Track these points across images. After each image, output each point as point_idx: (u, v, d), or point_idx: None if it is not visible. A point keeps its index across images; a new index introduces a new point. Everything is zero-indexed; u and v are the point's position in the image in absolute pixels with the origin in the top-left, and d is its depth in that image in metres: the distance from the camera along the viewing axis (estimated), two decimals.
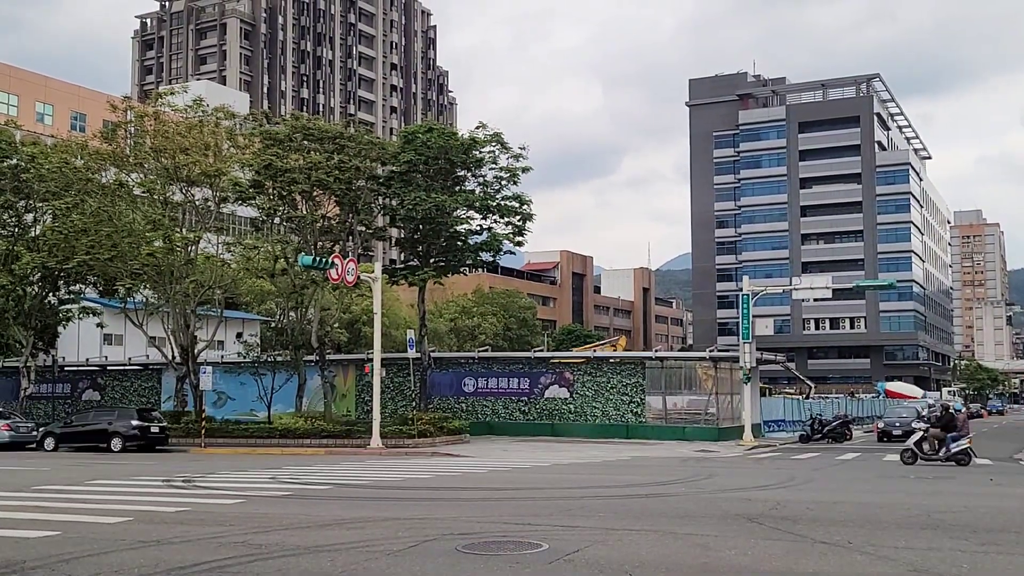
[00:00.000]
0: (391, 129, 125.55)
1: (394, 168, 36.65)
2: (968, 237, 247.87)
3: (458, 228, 37.31)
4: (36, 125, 62.83)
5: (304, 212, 35.26)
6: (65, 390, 45.18)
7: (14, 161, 35.63)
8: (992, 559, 9.77)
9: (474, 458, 26.78)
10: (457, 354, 48.57)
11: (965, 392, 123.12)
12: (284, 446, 31.39)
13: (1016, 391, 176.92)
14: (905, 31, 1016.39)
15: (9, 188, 35.34)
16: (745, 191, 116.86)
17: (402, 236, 39.43)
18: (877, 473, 22.18)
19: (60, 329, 41.66)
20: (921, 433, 24.71)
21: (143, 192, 35.34)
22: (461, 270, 40.13)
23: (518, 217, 37.27)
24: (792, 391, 67.07)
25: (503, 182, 36.97)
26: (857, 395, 74.18)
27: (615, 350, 53.37)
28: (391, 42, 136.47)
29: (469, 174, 37.33)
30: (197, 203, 35.75)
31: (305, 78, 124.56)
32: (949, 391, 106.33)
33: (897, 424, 40.10)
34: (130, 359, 45.61)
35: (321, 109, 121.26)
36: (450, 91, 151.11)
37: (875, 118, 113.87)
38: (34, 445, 32.92)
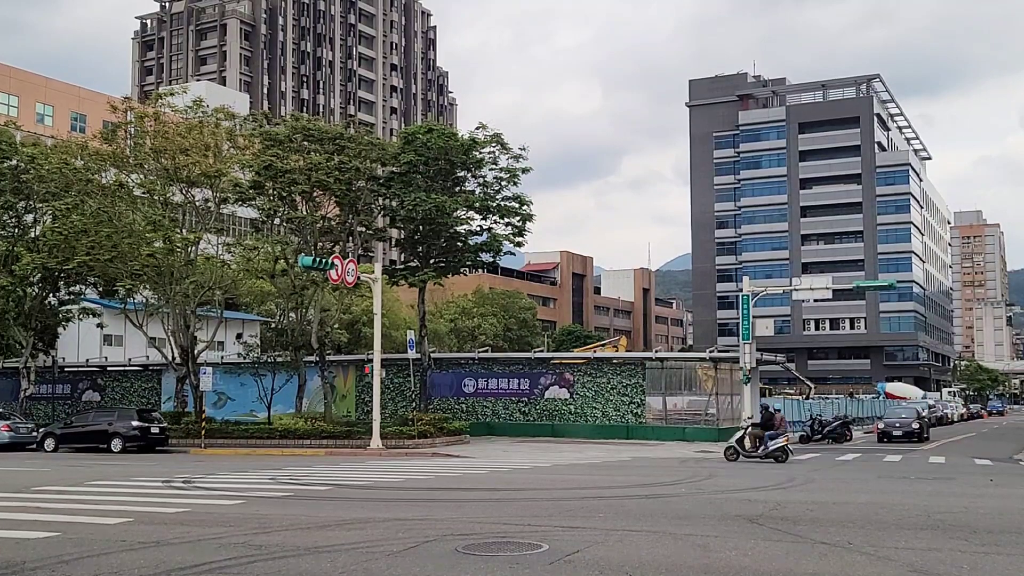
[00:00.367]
0: (391, 130, 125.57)
1: (394, 169, 36.67)
2: (968, 238, 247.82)
3: (458, 229, 37.33)
4: (36, 126, 62.83)
5: (304, 213, 35.26)
6: (65, 391, 45.20)
7: (14, 162, 35.64)
8: (992, 560, 9.77)
9: (474, 459, 26.78)
10: (457, 355, 48.58)
11: (965, 393, 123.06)
12: (284, 447, 31.39)
13: (1016, 392, 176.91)
14: (905, 32, 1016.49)
15: (9, 189, 35.35)
16: (745, 192, 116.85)
17: (402, 237, 39.44)
18: (877, 474, 22.18)
19: (60, 330, 41.66)
20: (742, 432, 26.08)
21: (143, 193, 35.35)
22: (461, 271, 40.15)
23: (518, 218, 37.28)
24: (792, 392, 67.06)
25: (503, 183, 36.99)
26: (857, 396, 74.20)
27: (616, 351, 53.39)
28: (391, 43, 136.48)
29: (469, 175, 37.35)
30: (197, 204, 35.76)
31: (305, 79, 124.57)
32: (949, 392, 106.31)
33: (897, 425, 40.10)
34: (130, 360, 45.61)
35: (321, 110, 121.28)
36: (450, 92, 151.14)
37: (875, 119, 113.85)
38: (34, 446, 32.93)
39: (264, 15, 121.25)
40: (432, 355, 40.95)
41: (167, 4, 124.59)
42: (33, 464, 25.55)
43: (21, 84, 68.38)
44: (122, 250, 33.35)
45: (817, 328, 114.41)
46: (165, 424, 32.89)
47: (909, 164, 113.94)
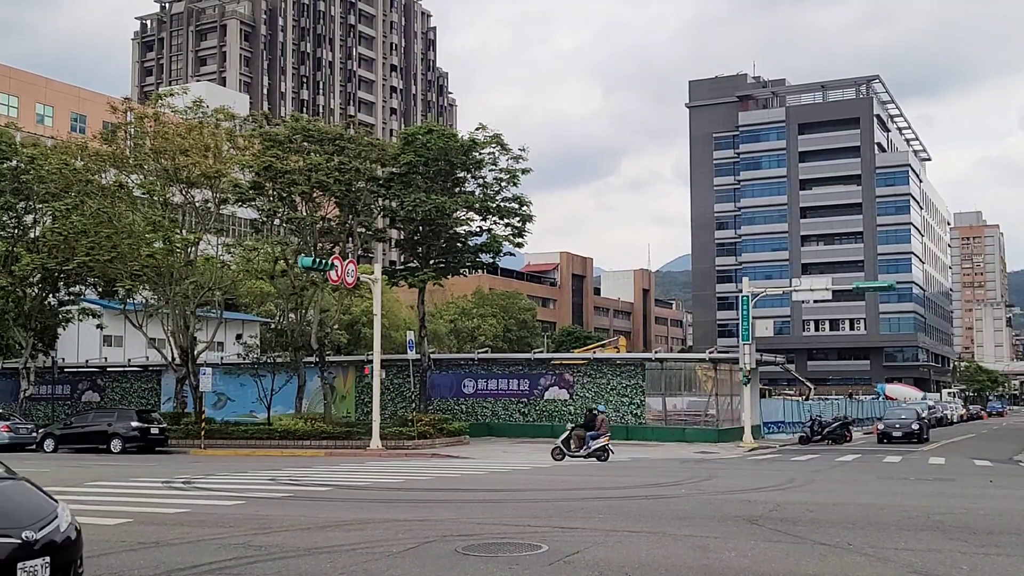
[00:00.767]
0: (391, 131, 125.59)
1: (394, 169, 36.66)
2: (968, 239, 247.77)
3: (458, 229, 37.34)
4: (36, 126, 62.84)
5: (304, 213, 35.26)
6: (65, 391, 45.19)
7: (14, 162, 35.64)
8: (992, 561, 9.77)
9: (474, 460, 26.78)
10: (457, 355, 48.57)
11: (965, 394, 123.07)
12: (284, 448, 31.39)
13: (1016, 392, 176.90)
14: (904, 33, 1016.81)
15: (9, 189, 35.35)
16: (745, 192, 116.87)
17: (402, 237, 39.45)
18: (877, 475, 22.18)
19: (60, 330, 41.69)
20: (568, 432, 27.08)
21: (143, 193, 35.36)
22: (461, 271, 40.15)
23: (518, 218, 37.28)
24: (792, 393, 67.05)
25: (503, 183, 36.98)
26: (856, 397, 74.18)
27: (617, 351, 53.41)
28: (391, 44, 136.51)
29: (469, 175, 37.35)
30: (197, 204, 35.76)
31: (305, 79, 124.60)
32: (949, 393, 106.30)
33: (897, 426, 40.11)
34: (130, 360, 45.59)
35: (321, 110, 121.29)
36: (450, 93, 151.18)
37: (875, 120, 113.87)
38: (34, 446, 32.91)
39: (264, 16, 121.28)
40: (432, 356, 40.94)
41: (167, 5, 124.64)
42: (32, 465, 25.52)
43: (21, 84, 68.39)
44: (122, 251, 33.35)
45: (817, 329, 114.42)
46: (165, 425, 32.87)
47: (909, 165, 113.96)
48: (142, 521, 12.65)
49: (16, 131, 39.06)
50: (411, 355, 35.86)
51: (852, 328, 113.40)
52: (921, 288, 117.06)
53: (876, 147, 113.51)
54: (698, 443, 35.27)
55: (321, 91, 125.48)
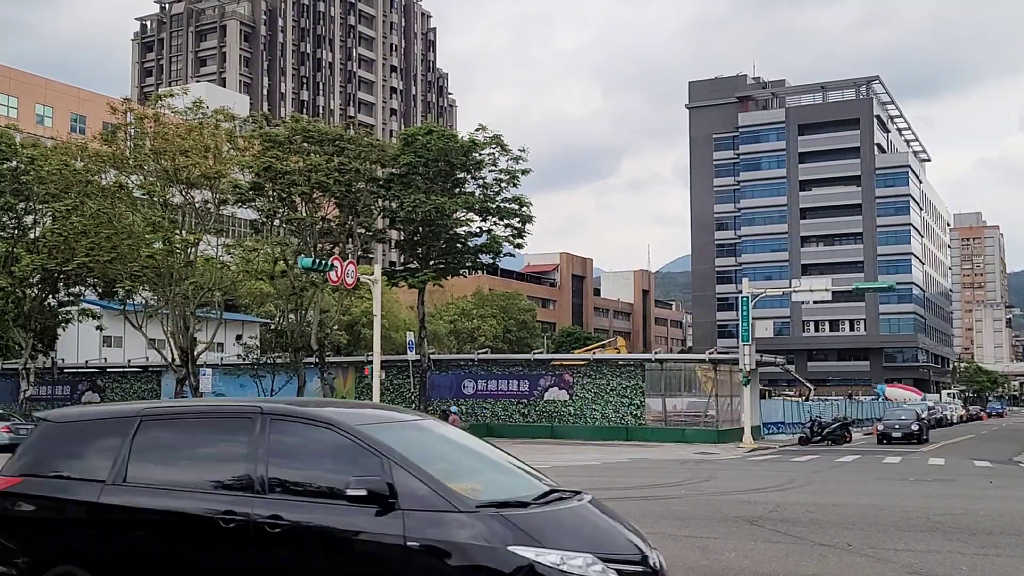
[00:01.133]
0: (391, 131, 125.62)
1: (394, 170, 36.69)
2: (968, 239, 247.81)
3: (458, 230, 37.37)
4: (36, 127, 62.82)
5: (304, 214, 35.28)
6: (65, 392, 45.19)
7: (14, 163, 35.65)
8: (992, 561, 9.77)
9: None
10: (457, 356, 48.59)
11: (964, 394, 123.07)
12: None
13: (1016, 393, 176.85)
14: (904, 34, 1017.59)
15: (9, 190, 35.36)
16: (745, 193, 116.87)
17: (402, 238, 39.46)
18: (876, 476, 22.17)
19: (60, 331, 41.67)
20: None
21: (143, 194, 35.36)
22: (461, 272, 40.18)
23: (518, 219, 37.31)
24: (792, 393, 67.06)
25: (503, 184, 37.02)
26: (856, 397, 74.19)
27: (618, 352, 53.38)
28: (391, 44, 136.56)
29: (469, 176, 37.37)
30: (197, 205, 35.76)
31: (305, 80, 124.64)
32: (948, 393, 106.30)
33: (897, 426, 40.10)
34: (129, 361, 45.59)
35: (321, 111, 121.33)
36: (450, 93, 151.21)
37: (875, 120, 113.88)
38: None
39: (264, 16, 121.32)
40: (432, 356, 40.96)
41: (167, 5, 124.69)
42: None
43: (21, 85, 68.39)
44: (122, 251, 33.36)
45: (816, 330, 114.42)
46: None
47: (909, 166, 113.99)
48: None
49: (16, 132, 39.07)
50: (411, 356, 35.88)
51: (852, 329, 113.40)
52: (921, 289, 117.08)
53: (876, 148, 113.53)
54: (698, 444, 35.26)
55: (321, 92, 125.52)
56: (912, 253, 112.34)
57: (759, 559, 9.69)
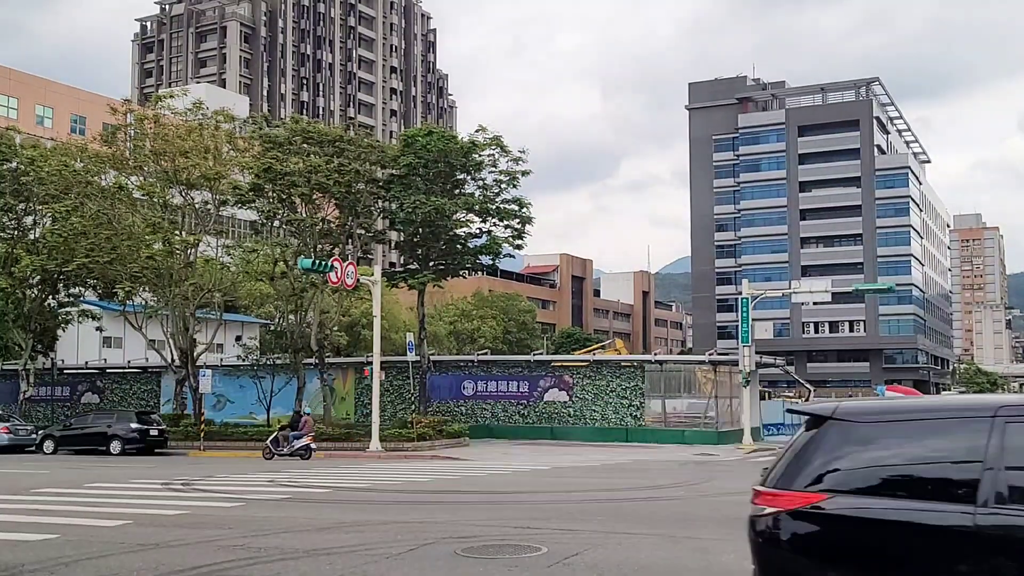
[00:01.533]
0: (391, 132, 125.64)
1: (394, 171, 36.68)
2: (968, 241, 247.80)
3: (457, 231, 37.35)
4: (36, 128, 62.82)
5: (304, 215, 35.28)
6: (64, 393, 45.16)
7: (14, 164, 35.66)
8: None
9: (473, 461, 26.77)
10: (456, 357, 48.57)
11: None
12: None
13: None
14: (904, 36, 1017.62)
15: (9, 191, 35.38)
16: (744, 194, 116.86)
17: (402, 239, 39.45)
18: None
19: (59, 332, 41.67)
20: (276, 432, 29.38)
21: (143, 195, 35.37)
22: (460, 273, 40.15)
23: (517, 220, 37.29)
24: (792, 395, 67.04)
25: (502, 185, 37.00)
26: (856, 398, 74.08)
27: (619, 353, 53.34)
28: (391, 45, 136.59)
29: (469, 177, 37.36)
30: (197, 206, 35.77)
31: (305, 81, 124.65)
32: (948, 394, 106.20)
33: None
34: (129, 362, 45.58)
35: (321, 112, 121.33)
36: (450, 95, 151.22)
37: (874, 122, 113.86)
38: (33, 448, 32.91)
39: (264, 17, 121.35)
40: (431, 357, 40.94)
41: (167, 6, 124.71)
42: (32, 466, 25.53)
43: (21, 86, 68.40)
44: (121, 252, 33.37)
45: (816, 331, 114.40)
46: (164, 426, 32.87)
47: (908, 167, 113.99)
48: (141, 523, 12.64)
49: (16, 133, 39.08)
50: (411, 357, 35.86)
51: (852, 330, 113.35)
52: (921, 290, 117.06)
53: (876, 149, 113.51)
54: (698, 445, 35.24)
55: (321, 93, 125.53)
56: (912, 254, 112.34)
57: None
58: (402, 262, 42.18)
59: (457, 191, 37.16)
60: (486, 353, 45.00)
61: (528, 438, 37.52)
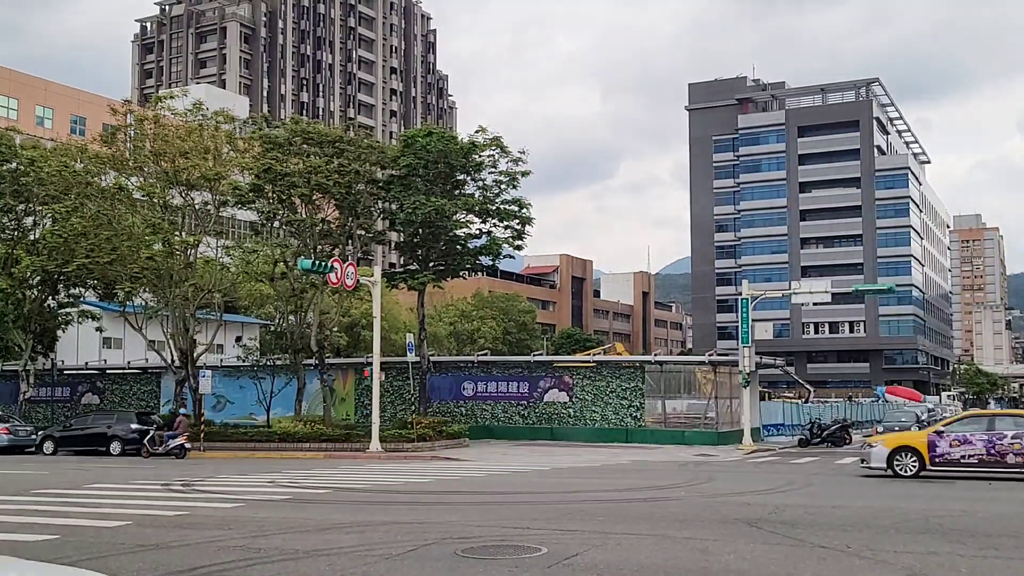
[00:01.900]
0: (391, 133, 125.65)
1: (394, 172, 36.70)
2: (968, 241, 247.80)
3: (458, 232, 37.36)
4: (36, 129, 62.83)
5: (303, 216, 35.29)
6: (64, 394, 45.16)
7: (14, 165, 35.68)
8: (991, 563, 9.78)
9: (473, 462, 26.77)
10: (456, 358, 48.59)
11: (964, 397, 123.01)
12: (283, 450, 31.39)
13: (1016, 395, 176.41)
14: (904, 37, 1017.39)
15: (9, 192, 35.39)
16: (744, 195, 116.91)
17: (402, 240, 39.47)
18: (876, 477, 22.15)
19: (59, 333, 41.67)
20: (151, 433, 30.71)
21: (143, 196, 35.39)
22: (461, 274, 40.14)
23: (517, 221, 37.31)
24: (791, 395, 67.04)
25: (502, 186, 37.02)
26: (856, 399, 74.17)
27: (620, 355, 53.33)
28: (391, 46, 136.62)
29: (469, 178, 37.38)
30: (196, 207, 35.78)
31: (305, 82, 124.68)
32: (948, 396, 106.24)
33: (897, 428, 40.11)
34: (129, 363, 45.59)
35: (321, 113, 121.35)
36: (450, 95, 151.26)
37: (874, 122, 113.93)
38: (33, 449, 32.95)
39: (264, 18, 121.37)
40: (431, 358, 40.94)
41: (167, 7, 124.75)
42: (32, 467, 25.54)
43: (21, 87, 68.41)
44: (121, 253, 33.38)
45: (816, 332, 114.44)
46: (164, 427, 32.87)
47: (908, 168, 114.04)
48: (141, 523, 12.64)
49: (16, 133, 39.09)
50: (411, 357, 35.87)
51: (852, 331, 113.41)
52: (921, 291, 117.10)
53: (875, 150, 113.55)
54: (697, 446, 35.26)
55: (321, 93, 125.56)
56: (912, 255, 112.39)
57: (759, 561, 9.69)
58: (402, 263, 42.19)
59: (457, 192, 37.17)
60: (486, 354, 45.01)
61: (528, 439, 37.54)
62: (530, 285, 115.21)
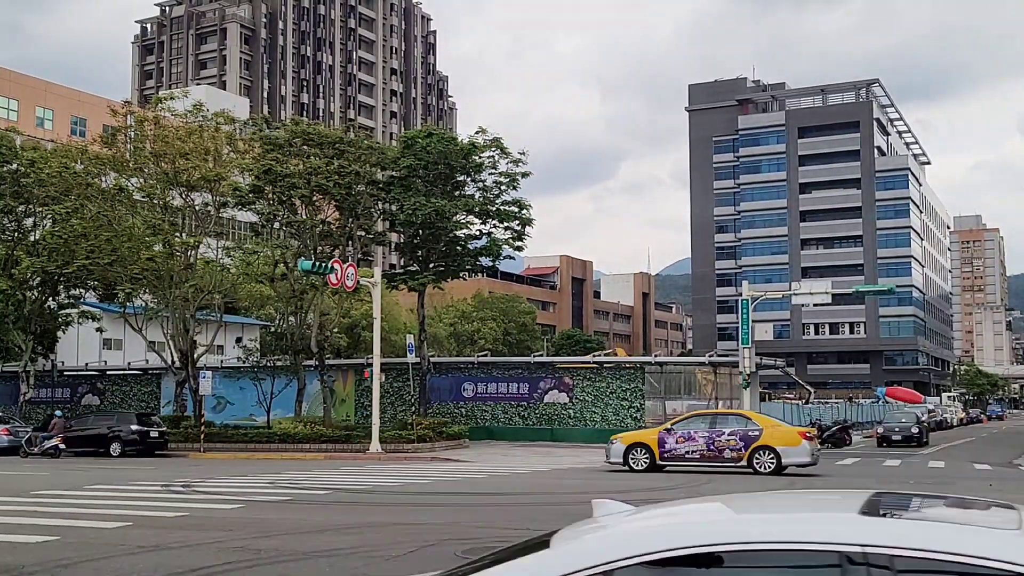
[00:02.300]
0: (391, 134, 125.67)
1: (394, 173, 36.69)
2: (968, 242, 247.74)
3: (458, 233, 37.35)
4: (36, 130, 62.84)
5: (304, 217, 35.29)
6: (64, 395, 45.14)
7: (14, 166, 35.68)
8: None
9: (473, 463, 26.76)
10: (456, 359, 48.58)
11: (964, 397, 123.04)
12: (283, 451, 31.38)
13: (1016, 396, 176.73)
14: (904, 38, 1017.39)
15: (9, 193, 35.40)
16: (745, 196, 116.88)
17: (402, 241, 39.48)
18: (877, 478, 22.16)
19: (60, 334, 41.68)
20: (29, 433, 32.13)
21: (143, 197, 35.39)
22: (461, 275, 40.12)
23: (517, 222, 37.30)
24: (792, 396, 67.03)
25: (503, 187, 37.01)
26: (856, 400, 74.16)
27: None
28: (391, 47, 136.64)
29: (469, 179, 37.37)
30: (197, 208, 35.78)
31: (305, 83, 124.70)
32: (949, 396, 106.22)
33: (897, 429, 40.11)
34: (129, 364, 45.58)
35: (321, 114, 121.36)
36: (450, 96, 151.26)
37: (874, 123, 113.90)
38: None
39: (264, 19, 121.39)
40: (431, 359, 40.93)
41: (167, 8, 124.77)
42: (32, 468, 25.54)
43: (21, 88, 68.42)
44: (122, 254, 33.38)
45: (817, 332, 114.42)
46: (164, 428, 32.87)
47: (908, 168, 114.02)
48: (141, 524, 12.64)
49: (16, 134, 39.11)
50: (411, 358, 35.86)
51: (852, 332, 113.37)
52: (921, 292, 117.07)
53: (876, 150, 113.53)
54: None
55: (321, 95, 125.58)
56: (912, 256, 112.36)
57: None
58: (402, 264, 42.19)
59: (457, 193, 37.17)
60: (486, 354, 45.01)
61: (528, 440, 37.52)
62: (530, 286, 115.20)
